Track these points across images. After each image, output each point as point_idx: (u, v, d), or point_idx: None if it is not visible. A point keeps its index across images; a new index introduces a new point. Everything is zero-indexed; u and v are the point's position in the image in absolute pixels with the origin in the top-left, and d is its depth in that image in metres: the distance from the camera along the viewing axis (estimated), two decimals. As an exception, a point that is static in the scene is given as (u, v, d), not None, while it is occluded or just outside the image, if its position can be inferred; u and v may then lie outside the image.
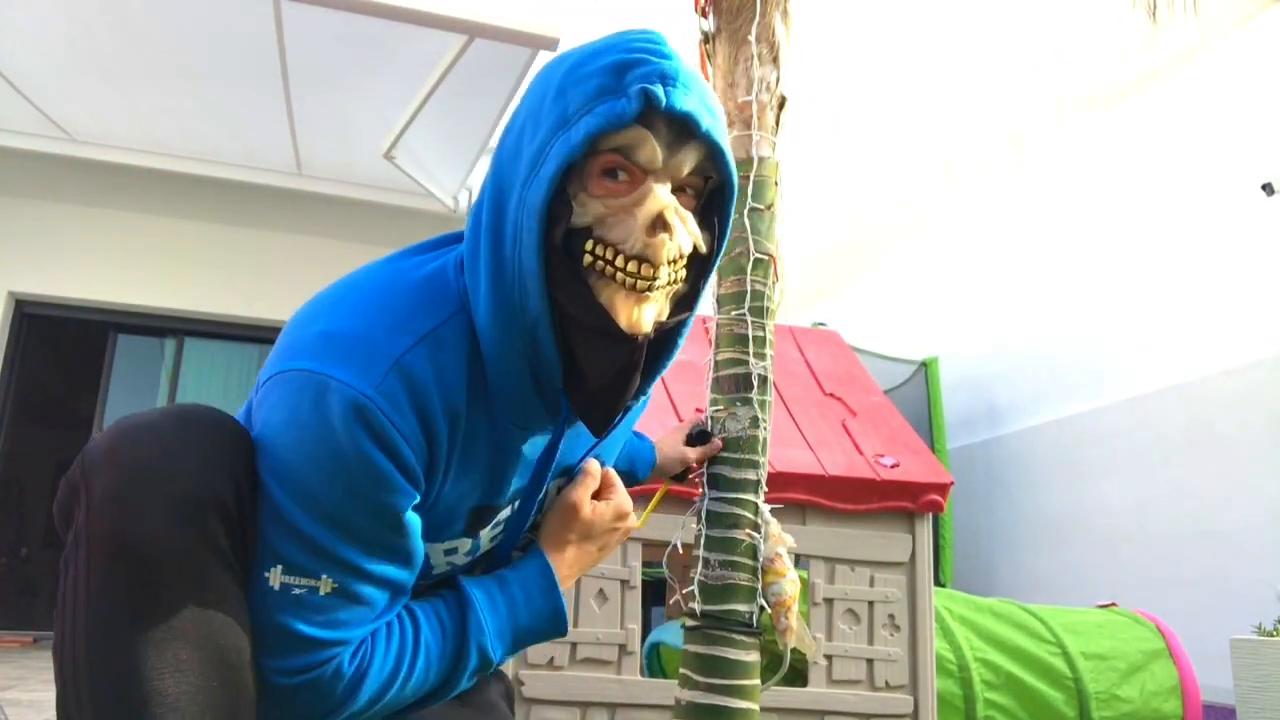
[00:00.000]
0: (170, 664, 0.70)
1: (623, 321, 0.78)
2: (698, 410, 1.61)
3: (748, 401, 1.48)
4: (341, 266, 1.03)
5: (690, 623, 1.43)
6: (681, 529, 1.52)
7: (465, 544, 0.92)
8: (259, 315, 5.56)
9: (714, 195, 0.85)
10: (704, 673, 1.37)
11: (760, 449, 1.47)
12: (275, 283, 5.57)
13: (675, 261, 0.80)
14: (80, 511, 0.72)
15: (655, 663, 2.53)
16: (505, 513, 0.95)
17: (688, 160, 0.80)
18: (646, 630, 2.49)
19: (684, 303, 0.86)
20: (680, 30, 1.21)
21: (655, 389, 1.13)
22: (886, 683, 2.15)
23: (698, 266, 0.85)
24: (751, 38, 1.56)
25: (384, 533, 0.79)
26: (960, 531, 5.45)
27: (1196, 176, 4.32)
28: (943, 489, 2.23)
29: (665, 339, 0.86)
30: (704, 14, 1.65)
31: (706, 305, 1.19)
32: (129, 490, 0.71)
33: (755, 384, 1.49)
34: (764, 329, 1.51)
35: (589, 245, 0.78)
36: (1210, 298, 4.16)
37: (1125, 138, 4.88)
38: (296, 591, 0.77)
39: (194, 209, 5.49)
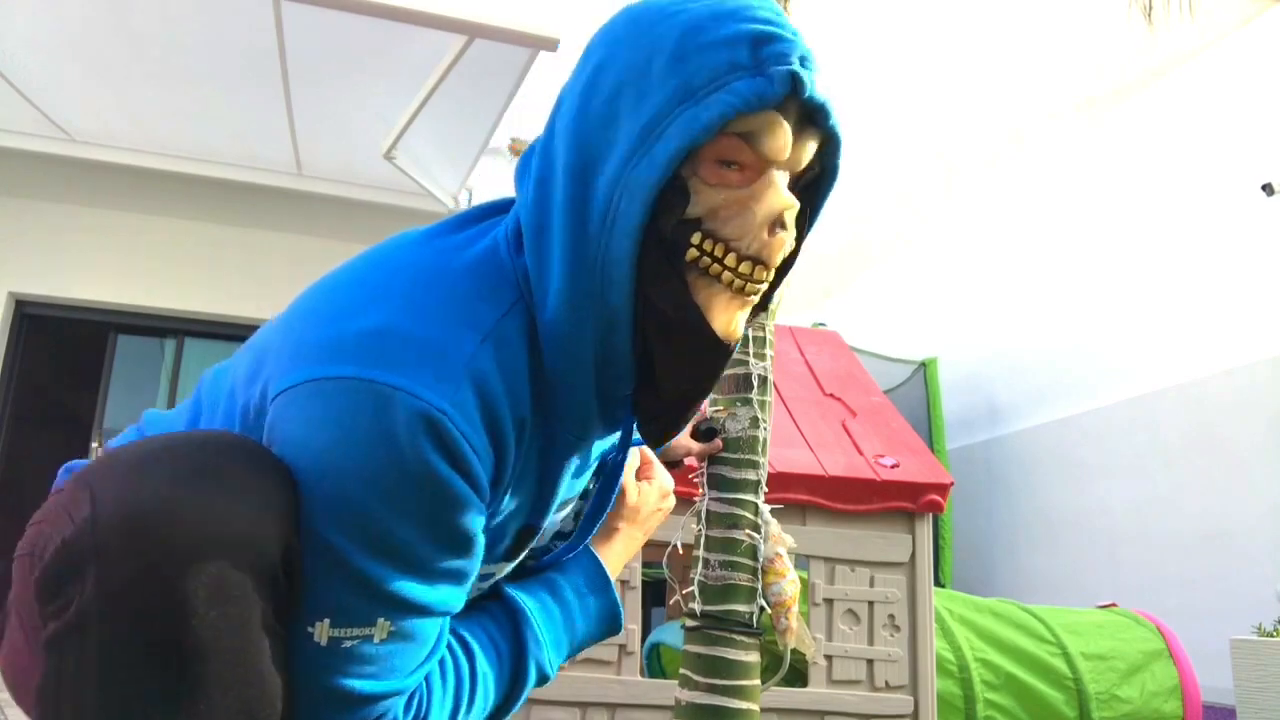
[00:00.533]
0: None
1: (718, 326, 0.70)
2: (701, 409, 1.61)
3: (748, 402, 1.48)
4: (342, 267, 1.02)
5: (690, 623, 1.43)
6: (681, 529, 1.52)
7: (505, 568, 0.84)
8: (259, 315, 5.56)
9: (808, 187, 0.75)
10: (704, 673, 1.38)
11: (760, 449, 1.47)
12: (275, 283, 5.57)
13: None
14: (88, 585, 0.57)
15: (655, 663, 2.53)
16: (556, 524, 0.86)
17: (807, 152, 0.70)
18: (647, 630, 2.49)
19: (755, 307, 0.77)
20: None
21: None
22: (886, 683, 2.15)
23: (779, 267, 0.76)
24: (751, 38, 1.56)
25: (450, 558, 0.68)
26: (960, 532, 5.45)
27: (1197, 177, 4.32)
28: (942, 489, 2.23)
29: None
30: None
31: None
32: (167, 566, 0.57)
33: (755, 384, 1.49)
34: (764, 329, 1.51)
35: (695, 239, 0.68)
36: (1210, 298, 4.16)
37: (1126, 138, 4.88)
38: (347, 644, 0.65)
39: (194, 209, 5.49)
